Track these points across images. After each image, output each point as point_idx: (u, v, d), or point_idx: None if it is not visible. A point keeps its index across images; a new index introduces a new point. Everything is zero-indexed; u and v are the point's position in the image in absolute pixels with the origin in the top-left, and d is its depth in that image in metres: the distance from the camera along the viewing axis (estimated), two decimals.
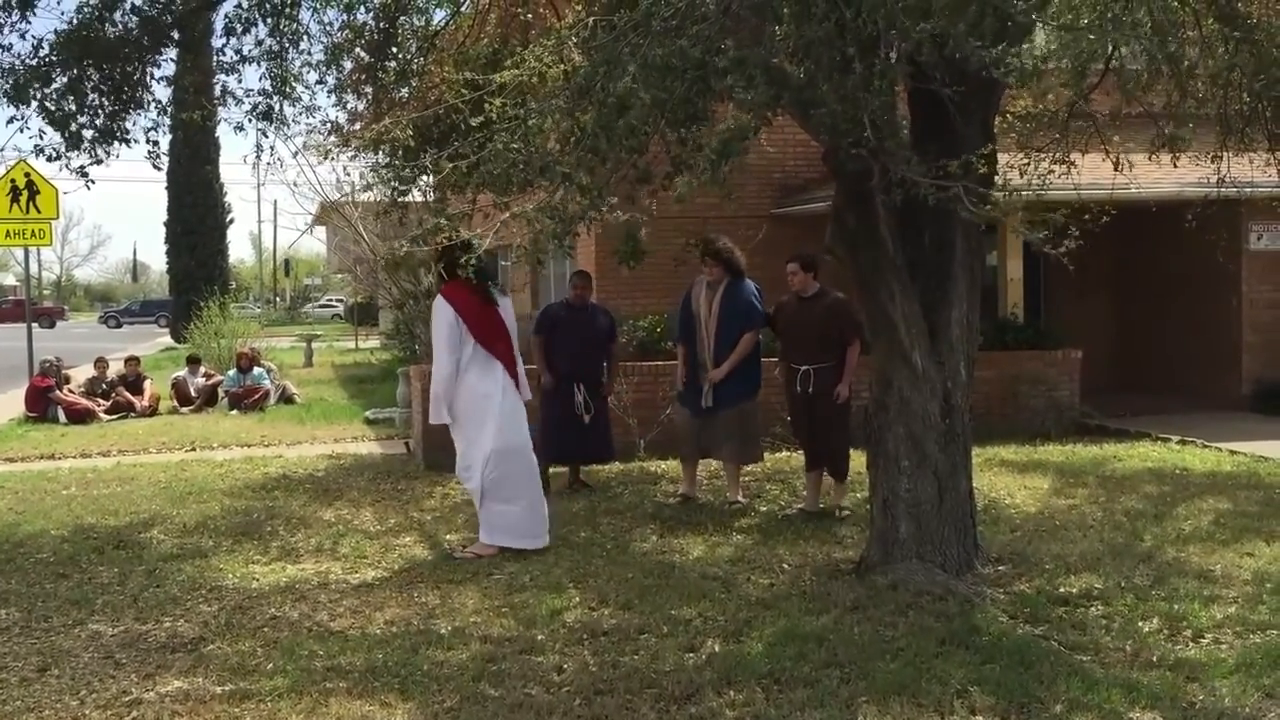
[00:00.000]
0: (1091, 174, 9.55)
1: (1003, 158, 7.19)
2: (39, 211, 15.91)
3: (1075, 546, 6.91)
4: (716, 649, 5.19)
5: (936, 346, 6.29)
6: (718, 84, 5.05)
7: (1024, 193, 6.45)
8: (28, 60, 7.12)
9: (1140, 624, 5.46)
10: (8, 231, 16.07)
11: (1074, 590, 6.01)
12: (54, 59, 7.14)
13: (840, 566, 6.55)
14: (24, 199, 15.67)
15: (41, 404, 14.81)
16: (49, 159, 7.43)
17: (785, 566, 6.67)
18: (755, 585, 6.30)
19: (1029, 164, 7.72)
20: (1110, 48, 6.34)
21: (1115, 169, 8.47)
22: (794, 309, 8.17)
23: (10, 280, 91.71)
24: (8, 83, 7.04)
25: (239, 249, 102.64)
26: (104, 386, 15.63)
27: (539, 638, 5.39)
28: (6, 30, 7.12)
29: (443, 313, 6.94)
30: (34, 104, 7.12)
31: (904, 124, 5.94)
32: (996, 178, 6.45)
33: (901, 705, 4.47)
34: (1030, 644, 5.15)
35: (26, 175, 15.62)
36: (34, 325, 18.14)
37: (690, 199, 5.69)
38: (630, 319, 12.18)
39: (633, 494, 8.84)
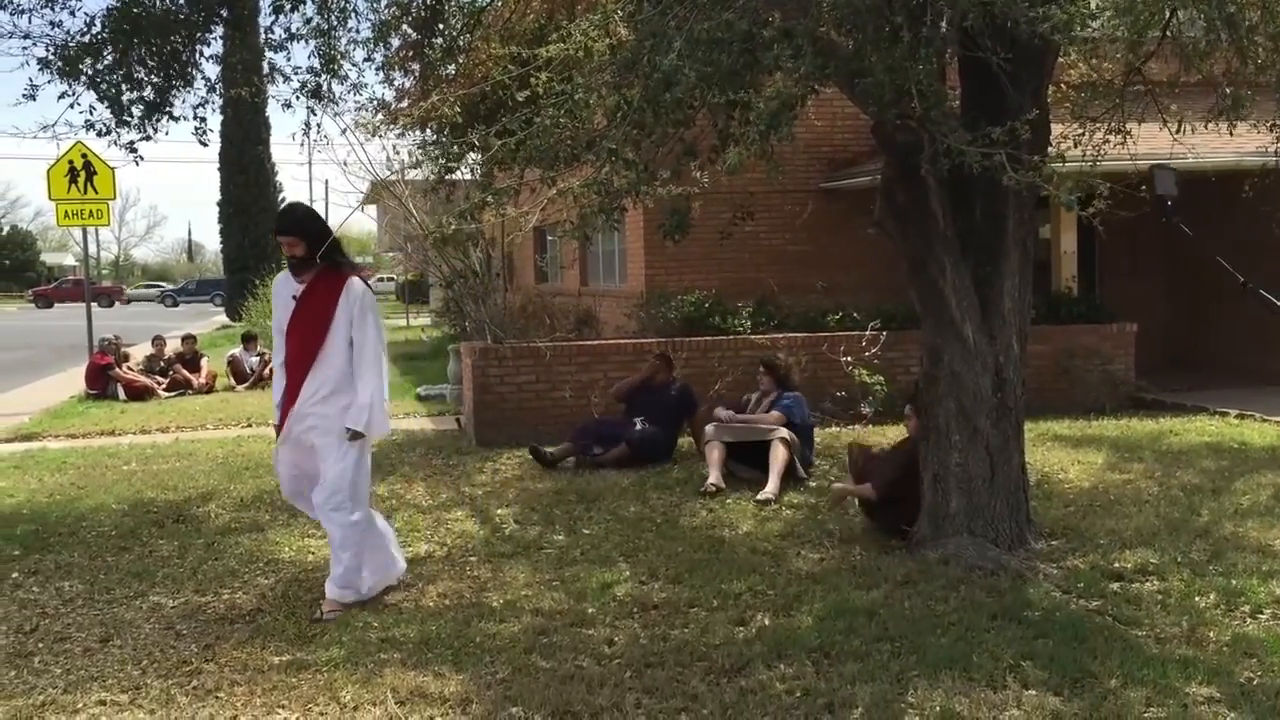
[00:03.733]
0: (1148, 144, 9.37)
1: (1056, 128, 7.07)
2: (96, 192, 16.16)
3: (1130, 521, 6.83)
4: (766, 622, 5.21)
5: (988, 320, 6.23)
6: (764, 56, 5.01)
7: (1076, 162, 6.34)
8: (79, 36, 7.23)
9: (1196, 599, 5.39)
10: (66, 212, 16.34)
11: (1129, 565, 5.94)
12: (104, 35, 7.25)
13: (890, 541, 6.52)
14: (81, 180, 15.93)
15: (101, 381, 15.09)
16: (99, 134, 7.56)
17: (835, 541, 6.66)
18: (805, 560, 6.30)
19: (1083, 134, 7.59)
20: (1167, 12, 6.20)
21: (1173, 137, 8.30)
22: None
23: (70, 260, 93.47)
24: (59, 58, 7.15)
25: None
26: (162, 364, 15.91)
27: (589, 611, 5.43)
28: (58, 7, 7.24)
29: (373, 303, 5.64)
30: (84, 79, 7.23)
31: (953, 94, 5.86)
32: (1050, 148, 6.35)
33: (953, 679, 4.45)
34: (1084, 619, 5.11)
35: (84, 156, 15.87)
36: (93, 304, 18.44)
37: (737, 173, 5.66)
38: (677, 294, 12.18)
39: (682, 469, 8.85)
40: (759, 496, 7.70)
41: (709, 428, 8.60)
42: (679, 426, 9.54)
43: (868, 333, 10.67)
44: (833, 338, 10.90)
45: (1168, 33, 7.04)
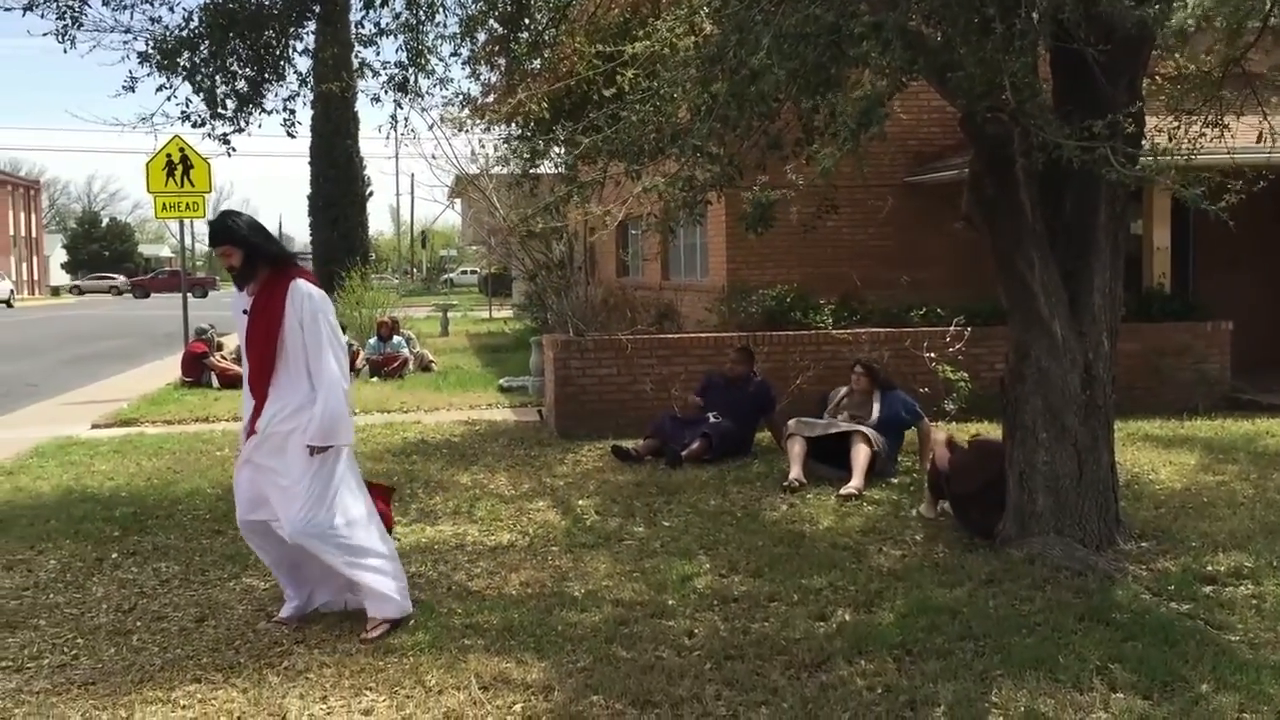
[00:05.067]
0: (1245, 138, 9.12)
1: (1150, 121, 6.91)
2: (193, 185, 16.59)
3: (1223, 524, 6.67)
4: (847, 618, 5.19)
5: (1077, 316, 6.12)
6: (852, 50, 4.99)
7: (1174, 156, 6.19)
8: (177, 30, 7.44)
9: None
10: (165, 204, 16.80)
11: (1221, 568, 5.80)
12: (201, 29, 7.45)
13: (974, 540, 6.45)
14: (179, 173, 16.36)
15: (196, 369, 15.51)
16: (194, 125, 7.78)
17: (917, 538, 6.61)
18: (886, 556, 6.26)
19: (1179, 127, 7.41)
20: (1268, 2, 6.03)
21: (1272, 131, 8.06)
22: None
23: (166, 252, 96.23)
24: (158, 52, 7.37)
25: (378, 221, 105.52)
26: None
27: (669, 602, 5.46)
28: (158, 2, 7.47)
29: (324, 303, 5.13)
30: (181, 72, 7.44)
31: (1045, 87, 5.76)
32: (1144, 141, 6.22)
33: (1038, 680, 4.39)
34: (1174, 622, 5.00)
35: (181, 150, 16.30)
36: (188, 294, 18.95)
37: (830, 175, 5.63)
38: (758, 289, 12.15)
39: (762, 463, 8.84)
40: (842, 491, 7.66)
41: (791, 422, 8.58)
42: (756, 423, 9.52)
43: (951, 329, 10.54)
44: (916, 333, 10.78)
45: (1268, 22, 6.84)
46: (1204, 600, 5.35)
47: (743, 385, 9.54)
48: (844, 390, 8.90)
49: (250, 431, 5.14)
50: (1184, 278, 13.33)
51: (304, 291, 5.04)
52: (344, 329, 17.69)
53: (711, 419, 9.17)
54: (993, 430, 8.61)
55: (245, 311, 5.19)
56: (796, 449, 8.26)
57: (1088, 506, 6.09)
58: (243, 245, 5.06)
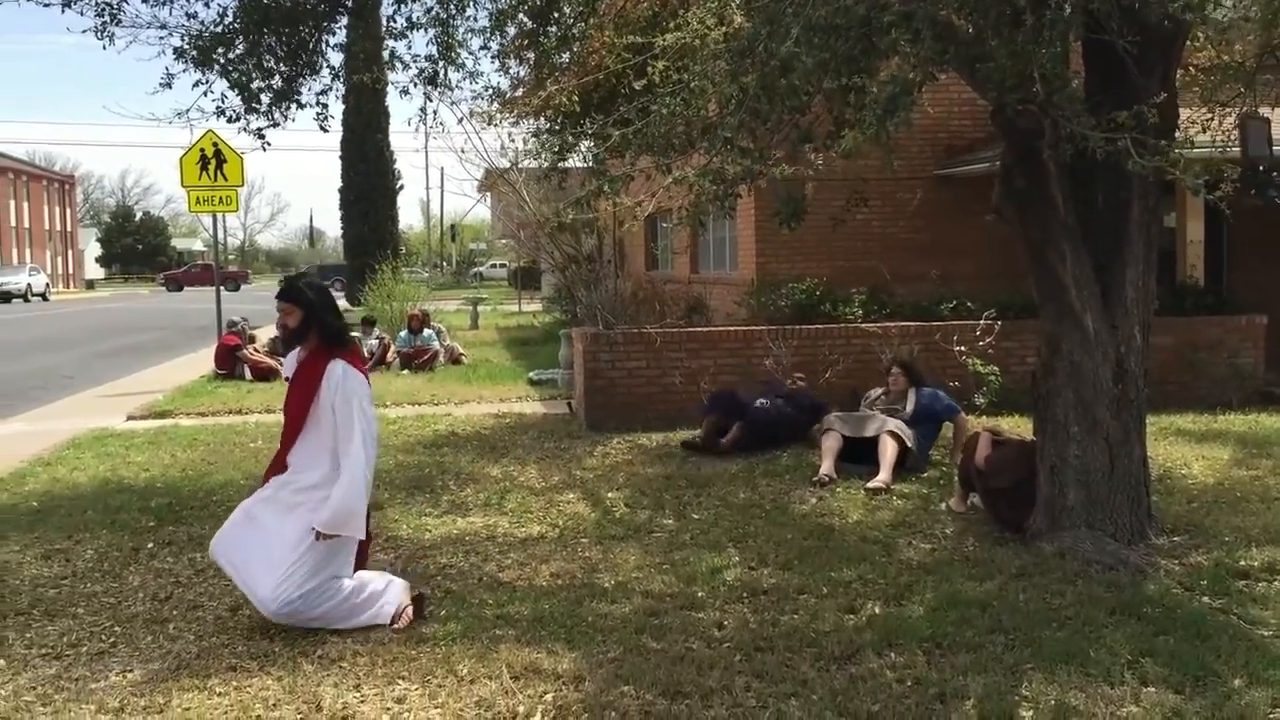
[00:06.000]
0: None
1: (1184, 113, 6.85)
2: (226, 179, 16.73)
3: (1257, 519, 6.61)
4: (877, 611, 5.19)
5: (1109, 310, 6.09)
6: (882, 41, 4.98)
7: (1205, 148, 6.14)
8: (212, 26, 7.51)
9: None
10: (198, 198, 16.95)
11: (1255, 563, 5.76)
12: (236, 25, 7.51)
13: (1004, 534, 6.43)
14: (212, 167, 16.51)
15: (229, 362, 15.66)
16: (229, 120, 7.85)
17: (946, 532, 6.60)
18: (916, 550, 6.25)
19: (1212, 119, 7.35)
20: None
21: None
22: None
23: (198, 246, 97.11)
24: (194, 48, 7.44)
25: (408, 215, 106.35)
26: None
27: (699, 594, 5.48)
28: None
29: (359, 386, 5.07)
30: (217, 68, 7.51)
31: (1076, 78, 5.73)
32: (1176, 133, 6.17)
33: (1069, 674, 4.39)
34: (1206, 617, 4.98)
35: (214, 144, 16.44)
36: (221, 288, 19.13)
37: (851, 159, 5.62)
38: (788, 282, 12.13)
39: (791, 457, 8.84)
40: (869, 485, 7.66)
41: (827, 416, 8.58)
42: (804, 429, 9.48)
43: (982, 322, 10.49)
44: (945, 327, 10.74)
45: None
46: (1237, 595, 5.32)
47: (804, 394, 9.65)
48: (879, 391, 8.89)
49: (267, 478, 5.24)
50: (1217, 271, 13.20)
51: (340, 374, 5.04)
52: (374, 323, 17.77)
53: (760, 404, 9.20)
54: (1023, 425, 8.58)
55: (287, 378, 5.28)
56: (830, 444, 8.26)
57: (1119, 501, 6.06)
58: (305, 309, 5.10)
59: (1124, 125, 4.61)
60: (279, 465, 5.20)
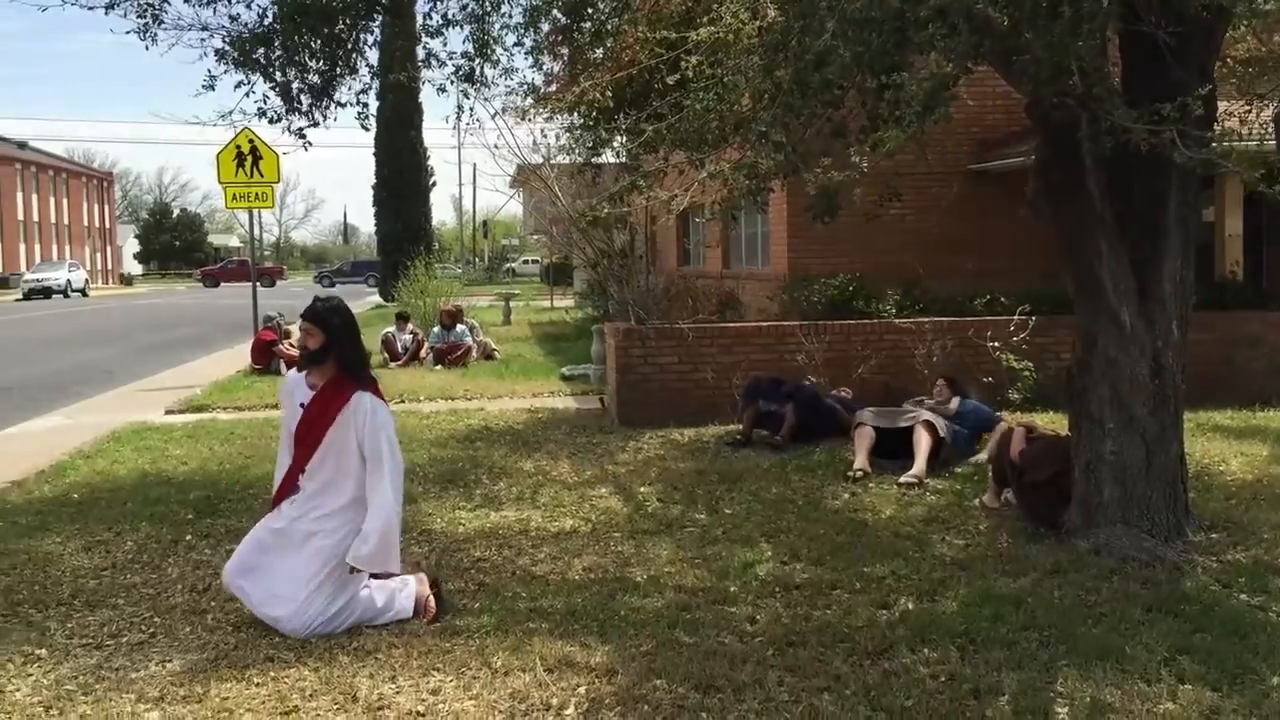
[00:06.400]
0: None
1: (1222, 105, 6.77)
2: (262, 176, 16.87)
3: None
4: (910, 606, 5.18)
5: (1146, 305, 6.03)
6: (917, 35, 4.96)
7: (1244, 141, 6.07)
8: (254, 28, 7.57)
9: None
10: (235, 195, 17.11)
11: None
12: (274, 25, 7.56)
13: (1038, 530, 6.39)
14: (248, 164, 16.65)
15: (266, 356, 15.80)
16: (270, 121, 7.90)
17: (980, 528, 6.57)
18: (949, 545, 6.23)
19: (1250, 111, 7.26)
20: None
21: None
22: None
23: (234, 242, 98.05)
24: (234, 49, 7.50)
25: (441, 211, 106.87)
26: None
27: (731, 589, 5.49)
28: (234, 0, 7.61)
29: (386, 418, 5.09)
30: (257, 69, 7.56)
31: (1114, 71, 5.68)
32: (1215, 125, 6.10)
33: (1105, 671, 4.36)
34: (1244, 614, 4.93)
35: (250, 141, 16.58)
36: (257, 283, 19.30)
37: (893, 154, 5.59)
38: (820, 278, 12.10)
39: (824, 452, 8.82)
40: (903, 479, 7.64)
41: (861, 411, 8.56)
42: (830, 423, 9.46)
43: (1016, 317, 10.42)
44: (979, 323, 10.67)
45: None
46: (1275, 592, 5.27)
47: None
48: (921, 399, 8.88)
49: (278, 501, 5.19)
50: (1257, 266, 13.05)
51: (369, 406, 5.00)
52: (408, 318, 17.85)
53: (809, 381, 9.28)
54: (1058, 421, 8.53)
55: (302, 404, 5.12)
56: (865, 439, 8.24)
57: (1156, 497, 6.01)
58: (329, 334, 5.05)
59: (1167, 118, 4.56)
60: (290, 486, 5.15)
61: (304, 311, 5.19)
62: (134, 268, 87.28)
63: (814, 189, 6.13)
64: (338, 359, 5.09)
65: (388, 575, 5.17)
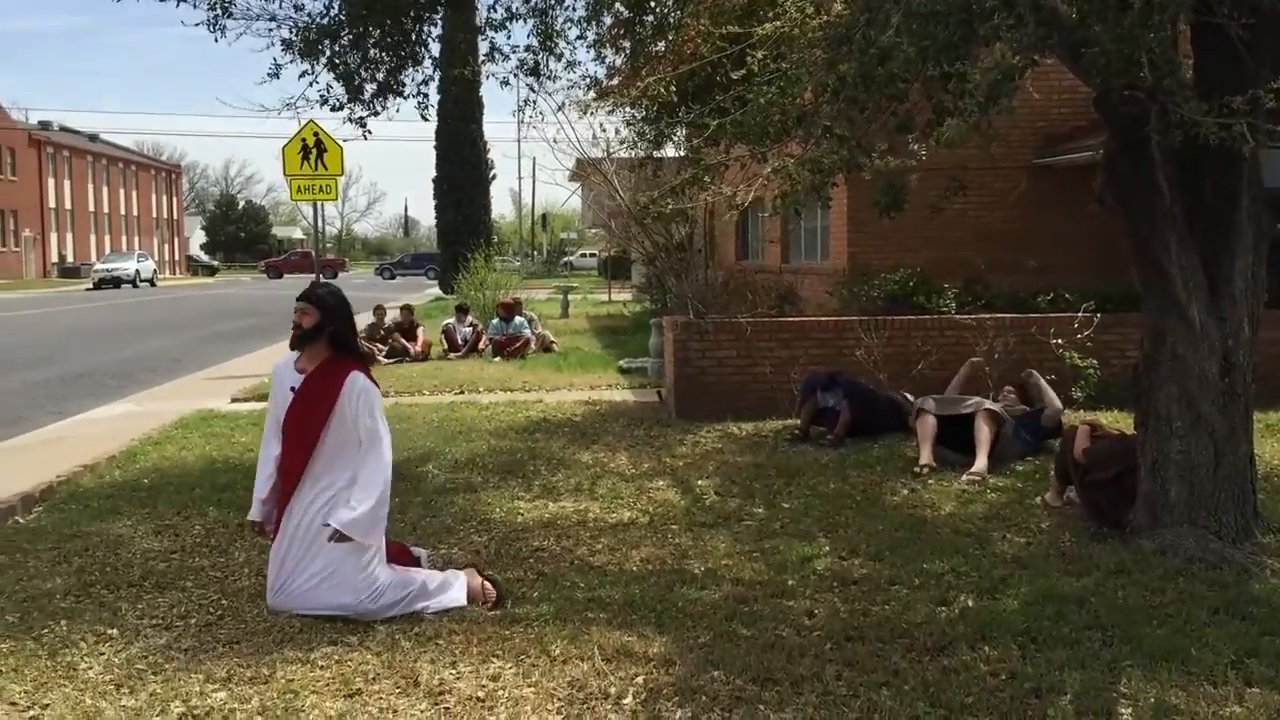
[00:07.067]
0: None
1: None
2: (326, 169, 17.06)
3: None
4: (970, 604, 5.14)
5: (1216, 301, 5.92)
6: (982, 27, 4.91)
7: None
8: (319, 19, 7.71)
9: None
10: (299, 187, 17.31)
11: None
12: (340, 17, 7.70)
13: (1101, 529, 6.31)
14: (313, 157, 16.86)
15: None
16: (333, 108, 8.06)
17: (1042, 526, 6.49)
18: (1010, 543, 6.17)
19: None
20: None
21: None
22: None
23: (298, 234, 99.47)
24: (301, 40, 7.65)
25: (500, 204, 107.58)
26: (382, 333, 16.79)
27: (789, 583, 5.49)
28: None
29: (377, 398, 5.15)
30: (323, 60, 7.71)
31: (1185, 64, 5.58)
32: None
33: (1170, 672, 4.30)
34: None
35: (315, 134, 16.79)
36: (320, 275, 19.56)
37: (951, 147, 5.55)
38: (880, 272, 12.01)
39: (882, 447, 8.77)
40: (965, 476, 7.57)
41: (924, 399, 8.51)
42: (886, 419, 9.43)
43: (1080, 314, 10.27)
44: (1043, 319, 10.53)
45: None
46: None
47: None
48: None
49: (279, 508, 5.19)
50: None
51: (361, 385, 5.07)
52: (467, 310, 18.00)
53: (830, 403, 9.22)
54: (1123, 420, 8.41)
55: (292, 388, 5.16)
56: (927, 428, 8.18)
57: (1223, 498, 5.91)
58: (324, 314, 5.14)
59: (1237, 111, 4.48)
60: (292, 477, 5.14)
61: (300, 294, 5.28)
62: (200, 258, 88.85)
63: (880, 181, 6.09)
64: (332, 338, 5.17)
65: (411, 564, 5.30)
